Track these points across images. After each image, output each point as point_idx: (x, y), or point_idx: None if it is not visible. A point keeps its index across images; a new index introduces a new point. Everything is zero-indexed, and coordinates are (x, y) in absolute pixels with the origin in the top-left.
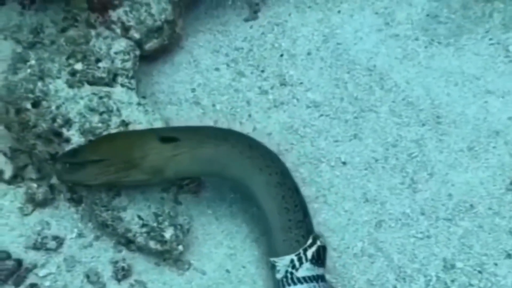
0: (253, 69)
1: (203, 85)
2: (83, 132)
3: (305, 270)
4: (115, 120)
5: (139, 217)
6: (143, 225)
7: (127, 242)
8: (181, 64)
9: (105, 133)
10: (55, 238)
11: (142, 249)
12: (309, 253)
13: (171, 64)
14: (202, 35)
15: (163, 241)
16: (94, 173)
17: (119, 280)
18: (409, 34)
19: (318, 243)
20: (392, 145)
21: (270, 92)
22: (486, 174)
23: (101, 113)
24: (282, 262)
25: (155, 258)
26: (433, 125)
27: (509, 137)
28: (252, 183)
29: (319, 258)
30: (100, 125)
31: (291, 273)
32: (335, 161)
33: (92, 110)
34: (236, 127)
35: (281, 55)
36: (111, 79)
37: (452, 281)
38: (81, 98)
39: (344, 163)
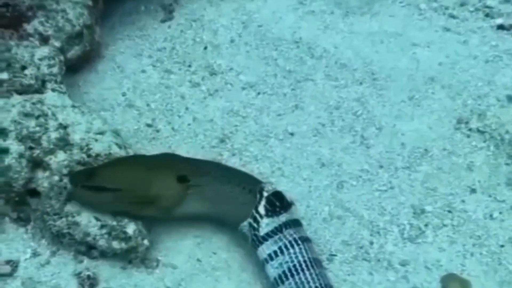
0: (180, 66)
1: (132, 88)
2: (21, 139)
3: (265, 226)
4: (52, 123)
5: (96, 218)
6: (102, 226)
7: (88, 248)
8: (106, 72)
9: (44, 137)
10: (8, 262)
11: (105, 254)
12: (261, 209)
13: (96, 73)
14: (122, 42)
15: (127, 238)
16: (107, 201)
17: None
18: (324, 9)
19: (265, 194)
20: (335, 108)
21: (202, 83)
22: (432, 119)
23: (37, 117)
24: (245, 229)
25: (121, 262)
26: (370, 82)
27: (445, 81)
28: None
29: (275, 207)
30: (38, 129)
31: (255, 235)
32: (283, 134)
33: (27, 115)
34: (175, 121)
35: (205, 48)
36: (40, 85)
37: (426, 225)
38: (13, 106)
39: (292, 134)
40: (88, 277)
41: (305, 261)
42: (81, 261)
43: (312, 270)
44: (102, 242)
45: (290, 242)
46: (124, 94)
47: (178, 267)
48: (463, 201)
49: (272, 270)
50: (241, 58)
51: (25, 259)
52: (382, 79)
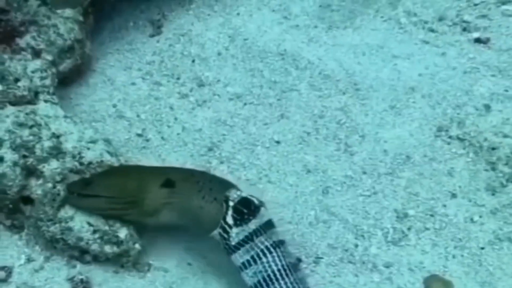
0: (169, 78)
1: (123, 100)
2: (15, 148)
3: (235, 236)
4: (45, 133)
5: (89, 223)
6: (95, 231)
7: (81, 253)
8: (97, 85)
9: (38, 146)
10: (3, 268)
11: (98, 258)
12: (229, 219)
13: (87, 86)
14: (111, 56)
15: (119, 242)
16: (101, 206)
17: None
18: (308, 24)
19: (231, 203)
20: (319, 117)
21: (190, 94)
22: (413, 127)
23: (30, 127)
24: (217, 238)
25: (113, 266)
26: (353, 92)
27: (425, 91)
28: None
29: (243, 215)
30: (31, 138)
31: (227, 244)
32: (269, 142)
33: (20, 125)
34: (165, 130)
35: (193, 61)
36: (33, 97)
37: (409, 228)
38: (7, 116)
39: (278, 142)
40: (81, 281)
41: (279, 270)
42: (74, 266)
43: (287, 279)
44: (94, 247)
45: (262, 250)
46: (114, 106)
47: (169, 271)
48: (444, 205)
49: (248, 278)
50: (228, 70)
51: (19, 265)
52: (365, 89)
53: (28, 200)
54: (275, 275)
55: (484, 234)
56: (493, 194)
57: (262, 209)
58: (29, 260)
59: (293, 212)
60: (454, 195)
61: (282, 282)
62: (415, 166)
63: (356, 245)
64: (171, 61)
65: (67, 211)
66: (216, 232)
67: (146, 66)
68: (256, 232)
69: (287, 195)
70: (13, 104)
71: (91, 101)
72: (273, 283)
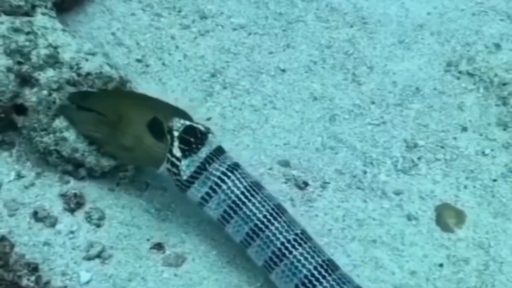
0: (170, 10)
1: (122, 29)
2: (9, 54)
3: (186, 169)
4: (42, 42)
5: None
6: (91, 143)
7: (75, 167)
8: (95, 14)
9: (34, 52)
10: None
11: (93, 172)
12: (176, 151)
13: (85, 14)
14: None
15: None
16: (89, 123)
17: (72, 211)
18: None
19: (175, 133)
20: (326, 47)
21: (192, 25)
22: (422, 61)
23: (27, 33)
24: (168, 174)
25: (108, 184)
26: (361, 26)
27: (433, 28)
28: None
29: (190, 145)
30: (27, 43)
31: (178, 180)
32: (274, 70)
33: (16, 30)
34: (166, 57)
35: None
36: (30, 8)
37: (419, 158)
38: (2, 23)
39: (283, 70)
40: (75, 195)
41: (243, 192)
42: (68, 182)
43: (254, 199)
44: (90, 159)
45: (219, 177)
46: (113, 34)
47: (168, 190)
48: (454, 138)
49: (212, 212)
50: (231, 3)
51: (8, 181)
52: (372, 23)
53: (21, 110)
54: (240, 199)
55: (496, 167)
56: (504, 129)
57: (210, 135)
58: (19, 176)
59: (299, 138)
60: (464, 129)
61: (250, 204)
62: (424, 99)
63: (365, 172)
64: None
65: (62, 121)
66: (163, 168)
67: None
68: (208, 160)
69: (292, 121)
70: (8, 14)
71: (89, 29)
72: (240, 208)
